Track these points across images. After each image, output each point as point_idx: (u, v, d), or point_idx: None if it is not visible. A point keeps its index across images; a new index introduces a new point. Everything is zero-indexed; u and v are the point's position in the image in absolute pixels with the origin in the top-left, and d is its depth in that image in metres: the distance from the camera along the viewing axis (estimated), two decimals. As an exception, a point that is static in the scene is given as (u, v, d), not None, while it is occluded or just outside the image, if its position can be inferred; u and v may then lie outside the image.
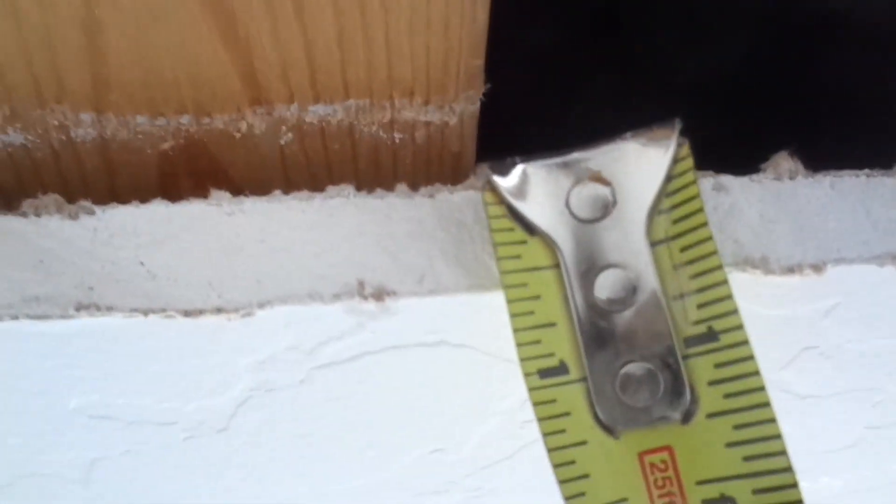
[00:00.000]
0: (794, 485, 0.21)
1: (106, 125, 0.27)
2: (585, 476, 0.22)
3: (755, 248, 0.26)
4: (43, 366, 0.24)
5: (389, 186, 0.27)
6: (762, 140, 0.30)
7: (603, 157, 0.23)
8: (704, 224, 0.23)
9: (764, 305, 0.27)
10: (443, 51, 0.27)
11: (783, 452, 0.21)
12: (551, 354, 0.23)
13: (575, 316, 0.23)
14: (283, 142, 0.29)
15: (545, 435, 0.22)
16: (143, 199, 0.26)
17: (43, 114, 0.27)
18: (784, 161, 0.28)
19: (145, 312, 0.23)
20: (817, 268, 0.26)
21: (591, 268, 0.23)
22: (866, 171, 0.28)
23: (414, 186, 0.27)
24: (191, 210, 0.25)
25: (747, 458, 0.22)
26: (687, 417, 0.22)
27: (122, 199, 0.26)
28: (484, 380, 0.28)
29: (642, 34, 0.46)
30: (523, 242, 0.23)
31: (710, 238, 0.23)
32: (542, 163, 0.23)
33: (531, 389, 0.23)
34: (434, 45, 0.27)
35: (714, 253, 0.23)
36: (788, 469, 0.21)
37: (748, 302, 0.24)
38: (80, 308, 0.23)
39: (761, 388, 0.22)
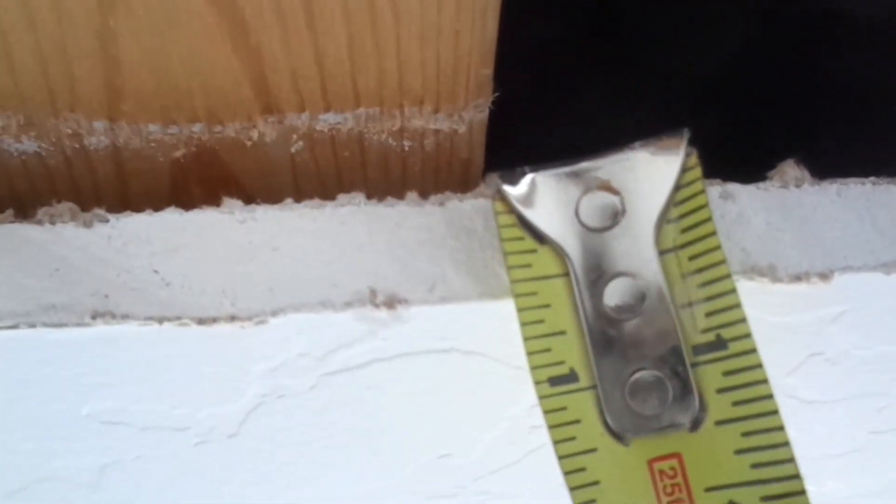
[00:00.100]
0: (803, 492, 0.21)
1: (119, 133, 0.28)
2: (595, 483, 0.22)
3: (762, 256, 0.26)
4: (59, 373, 0.25)
5: (398, 193, 0.27)
6: (768, 147, 0.30)
7: (612, 166, 0.23)
8: (713, 233, 0.23)
9: (771, 313, 0.27)
10: (453, 60, 0.27)
11: (791, 460, 0.22)
12: (561, 362, 0.23)
13: (584, 324, 0.23)
14: (293, 150, 0.29)
15: (556, 442, 0.22)
16: (155, 206, 0.26)
17: (57, 122, 0.27)
18: (790, 169, 0.28)
19: (160, 321, 0.24)
20: (824, 276, 0.26)
21: (600, 276, 0.23)
22: (872, 178, 0.28)
23: (423, 194, 0.27)
24: (204, 218, 0.25)
25: (756, 466, 0.22)
26: (696, 425, 0.22)
27: (134, 206, 0.26)
28: (493, 386, 0.28)
29: (650, 39, 0.47)
30: (533, 251, 0.23)
31: (718, 247, 0.23)
32: (551, 172, 0.23)
33: (542, 397, 0.23)
34: (444, 55, 0.27)
35: (723, 262, 0.23)
36: (797, 476, 0.21)
37: (755, 310, 0.24)
38: (96, 316, 0.23)
39: (770, 396, 0.22)
